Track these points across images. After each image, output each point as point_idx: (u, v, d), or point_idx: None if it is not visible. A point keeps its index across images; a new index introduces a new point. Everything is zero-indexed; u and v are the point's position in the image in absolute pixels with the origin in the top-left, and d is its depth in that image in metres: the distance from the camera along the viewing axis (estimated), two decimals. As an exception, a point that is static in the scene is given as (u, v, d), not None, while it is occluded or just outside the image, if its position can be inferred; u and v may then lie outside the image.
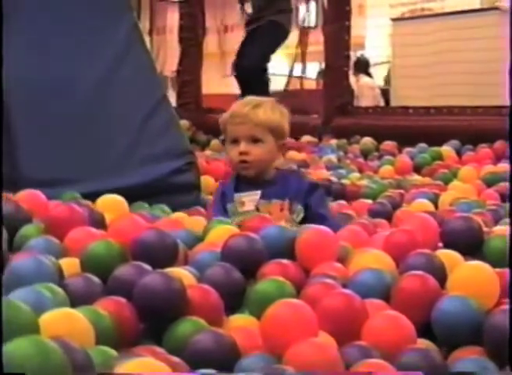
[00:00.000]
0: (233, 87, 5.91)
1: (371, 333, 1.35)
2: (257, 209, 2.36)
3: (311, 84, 10.43)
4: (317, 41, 7.00)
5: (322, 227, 1.81)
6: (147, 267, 1.53)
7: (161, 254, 1.66)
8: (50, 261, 1.56)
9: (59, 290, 1.41)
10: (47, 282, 1.43)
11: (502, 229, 2.03)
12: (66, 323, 1.24)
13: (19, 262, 1.53)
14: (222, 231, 1.90)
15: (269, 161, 2.44)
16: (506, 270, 1.54)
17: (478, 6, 8.06)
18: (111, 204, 2.26)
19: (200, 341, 1.31)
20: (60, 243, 1.80)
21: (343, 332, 1.36)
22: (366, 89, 7.90)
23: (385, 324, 1.36)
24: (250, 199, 2.40)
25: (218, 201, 2.47)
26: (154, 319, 1.43)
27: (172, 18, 11.10)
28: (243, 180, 2.45)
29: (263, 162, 2.43)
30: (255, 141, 2.41)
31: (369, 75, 8.25)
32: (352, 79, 6.75)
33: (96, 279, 1.53)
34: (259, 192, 2.40)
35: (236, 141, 2.42)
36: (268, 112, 2.44)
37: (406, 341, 1.33)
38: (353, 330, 1.36)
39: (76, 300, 1.43)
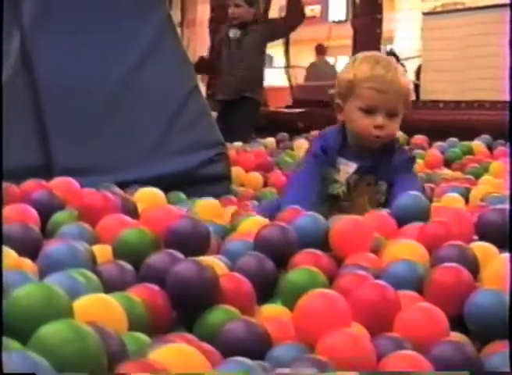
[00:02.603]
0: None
1: (404, 325, 1.34)
2: (348, 183, 2.19)
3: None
4: (347, 35, 6.97)
5: (356, 217, 1.79)
6: (180, 255, 1.53)
7: (194, 242, 1.66)
8: (83, 247, 1.56)
9: (93, 276, 1.42)
10: (80, 268, 1.44)
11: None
12: (100, 309, 1.24)
13: (52, 247, 1.54)
14: (253, 222, 1.90)
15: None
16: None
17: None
18: (148, 196, 2.24)
19: (232, 330, 1.31)
20: (93, 230, 1.81)
21: (376, 323, 1.35)
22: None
23: (418, 316, 1.34)
24: (344, 170, 2.20)
25: (314, 159, 2.18)
26: (186, 307, 1.42)
27: (202, 11, 11.11)
28: (348, 145, 2.21)
29: (393, 136, 2.19)
30: (392, 113, 2.13)
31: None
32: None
33: (129, 266, 1.53)
34: (355, 165, 2.18)
35: (369, 110, 2.13)
36: (405, 78, 2.17)
37: (439, 334, 1.32)
38: (386, 321, 1.35)
39: (108, 287, 1.43)
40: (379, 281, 1.44)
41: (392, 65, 2.16)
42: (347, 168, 2.20)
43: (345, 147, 2.20)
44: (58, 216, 1.96)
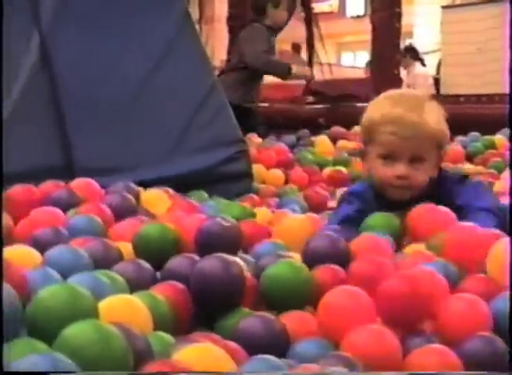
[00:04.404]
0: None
1: (447, 315, 1.29)
2: None
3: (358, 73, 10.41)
4: (367, 30, 6.94)
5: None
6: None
7: (225, 244, 1.61)
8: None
9: (117, 276, 1.41)
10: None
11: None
12: (125, 310, 1.23)
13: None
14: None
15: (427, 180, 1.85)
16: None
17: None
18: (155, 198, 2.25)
19: (248, 327, 1.28)
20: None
21: (409, 317, 1.30)
22: (420, 78, 7.79)
23: (461, 307, 1.30)
24: None
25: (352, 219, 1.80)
26: (210, 306, 1.40)
27: (220, 7, 11.09)
28: (383, 199, 1.88)
29: (422, 186, 1.84)
30: (417, 159, 1.82)
31: (423, 63, 8.14)
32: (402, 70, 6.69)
33: (147, 264, 1.51)
34: None
35: (390, 157, 1.82)
36: (437, 117, 1.83)
37: (482, 327, 1.27)
38: (419, 311, 1.30)
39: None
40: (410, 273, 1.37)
41: (419, 103, 1.84)
42: None
43: (383, 202, 1.87)
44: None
